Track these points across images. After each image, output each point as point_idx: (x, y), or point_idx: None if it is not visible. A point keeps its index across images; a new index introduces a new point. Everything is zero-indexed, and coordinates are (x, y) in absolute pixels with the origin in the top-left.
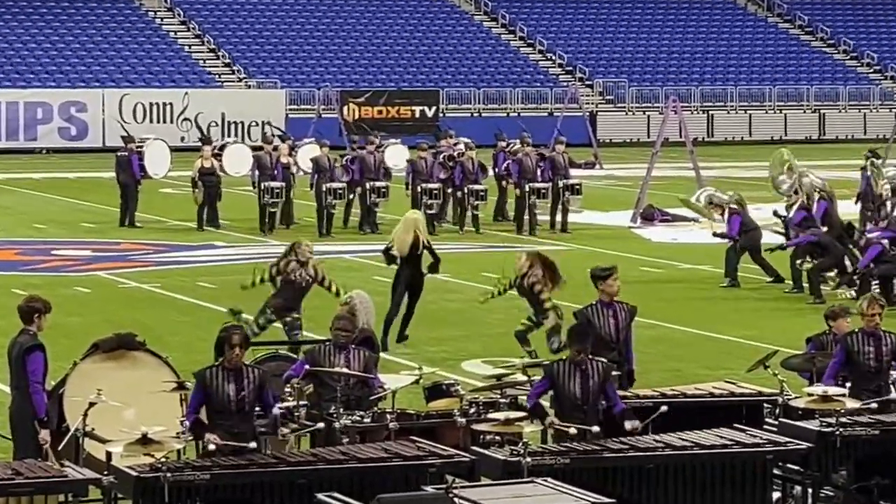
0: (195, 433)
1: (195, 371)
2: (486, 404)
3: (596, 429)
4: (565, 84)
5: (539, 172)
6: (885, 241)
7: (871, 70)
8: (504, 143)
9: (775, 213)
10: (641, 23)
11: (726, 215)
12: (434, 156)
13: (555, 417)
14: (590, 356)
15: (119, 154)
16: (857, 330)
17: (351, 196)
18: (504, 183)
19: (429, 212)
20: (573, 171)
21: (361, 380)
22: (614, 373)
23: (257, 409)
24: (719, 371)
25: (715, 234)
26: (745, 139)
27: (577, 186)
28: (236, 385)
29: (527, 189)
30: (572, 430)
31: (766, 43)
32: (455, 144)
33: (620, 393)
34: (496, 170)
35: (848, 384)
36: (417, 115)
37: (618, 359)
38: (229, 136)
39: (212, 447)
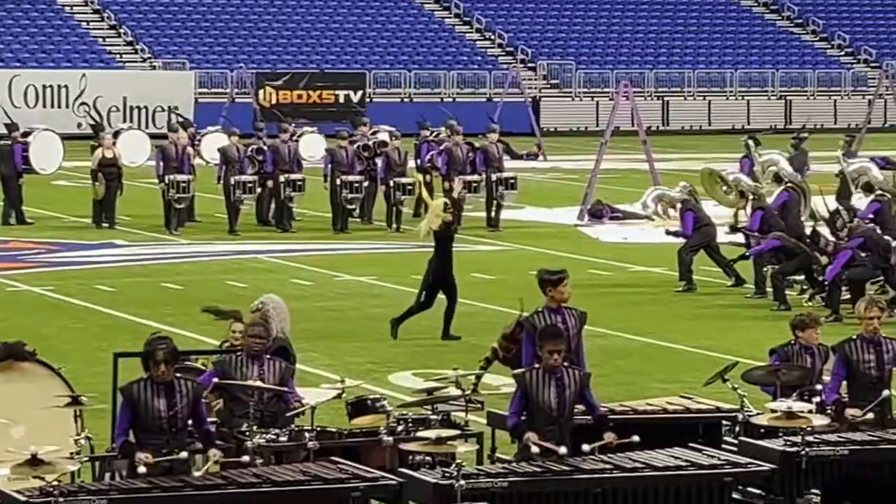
0: (126, 455)
1: (121, 386)
2: (415, 421)
3: (563, 450)
4: (505, 67)
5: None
6: (856, 248)
7: (842, 53)
8: (427, 132)
9: (732, 229)
10: (589, 0)
11: (678, 212)
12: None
13: (532, 434)
14: (565, 363)
15: (0, 143)
16: (854, 336)
17: (260, 190)
18: (427, 176)
19: (349, 206)
20: (514, 164)
21: (277, 394)
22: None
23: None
24: (674, 384)
25: (668, 233)
26: (703, 128)
27: (512, 180)
28: (167, 400)
29: (493, 179)
30: (562, 450)
31: (727, 23)
32: (373, 133)
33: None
34: (419, 161)
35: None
36: (342, 99)
37: None
38: (132, 122)
39: (142, 469)
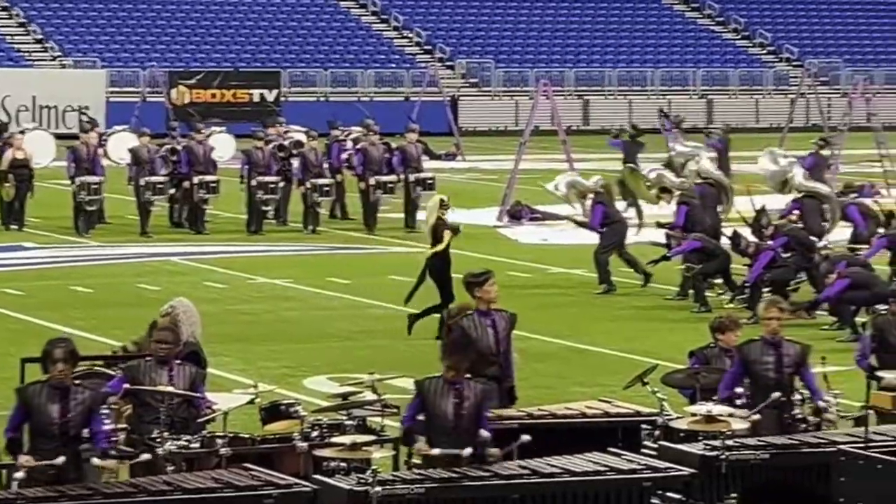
0: (11, 453)
1: (18, 387)
2: (330, 427)
3: (468, 451)
4: (423, 65)
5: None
6: (779, 248)
7: (764, 51)
8: (338, 132)
9: (659, 224)
10: None
11: (588, 204)
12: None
13: (421, 444)
14: (467, 375)
15: None
16: (757, 338)
17: (173, 191)
18: (339, 176)
19: (265, 208)
20: (432, 164)
21: (187, 399)
22: None
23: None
24: (594, 388)
25: (575, 222)
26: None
27: (430, 181)
28: (61, 406)
29: (372, 182)
30: (434, 452)
31: (648, 21)
32: (286, 132)
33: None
34: (330, 161)
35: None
36: (256, 99)
37: (498, 373)
38: (41, 122)
39: (19, 474)
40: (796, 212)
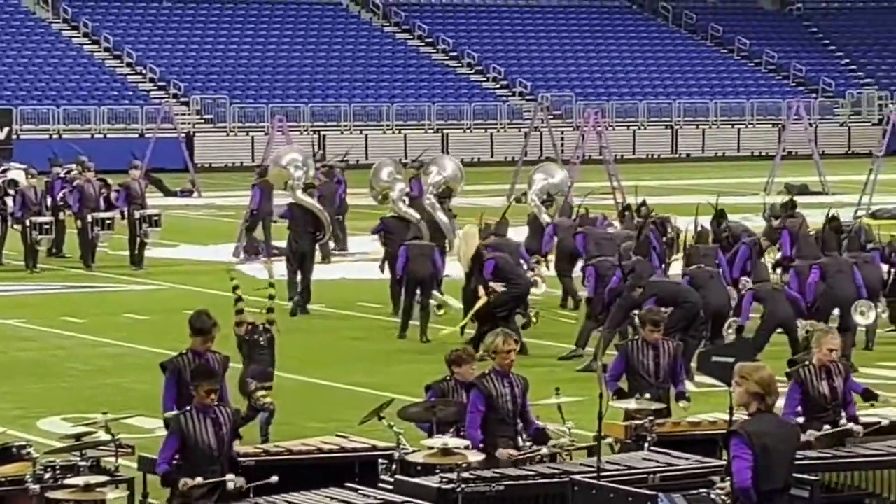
0: None
1: None
2: (63, 468)
3: (232, 477)
4: (158, 101)
5: (102, 201)
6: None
7: (498, 85)
8: (59, 169)
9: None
10: (243, 33)
11: None
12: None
13: (188, 479)
14: (219, 403)
15: None
16: (488, 371)
17: None
18: (62, 214)
19: None
20: (168, 200)
21: None
22: None
23: None
24: (331, 423)
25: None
26: (360, 162)
27: (156, 217)
28: None
29: (89, 220)
30: (197, 481)
31: (383, 56)
32: (4, 171)
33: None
34: (52, 199)
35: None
36: None
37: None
38: None
39: None
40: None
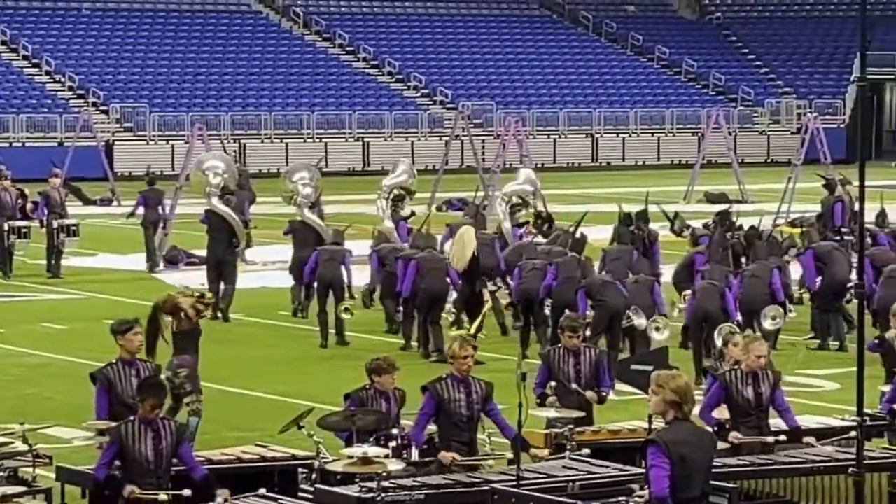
0: None
1: None
2: None
3: (187, 492)
4: (77, 110)
5: (18, 211)
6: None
7: (419, 94)
8: None
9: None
10: (163, 41)
11: None
12: None
13: (131, 487)
14: (162, 416)
15: None
16: (445, 375)
17: None
18: None
19: None
20: (87, 209)
21: None
22: None
23: None
24: (251, 433)
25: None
26: (279, 170)
27: (74, 227)
28: None
29: (6, 228)
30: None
31: (304, 64)
32: None
33: None
34: None
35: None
36: None
37: None
38: None
39: None
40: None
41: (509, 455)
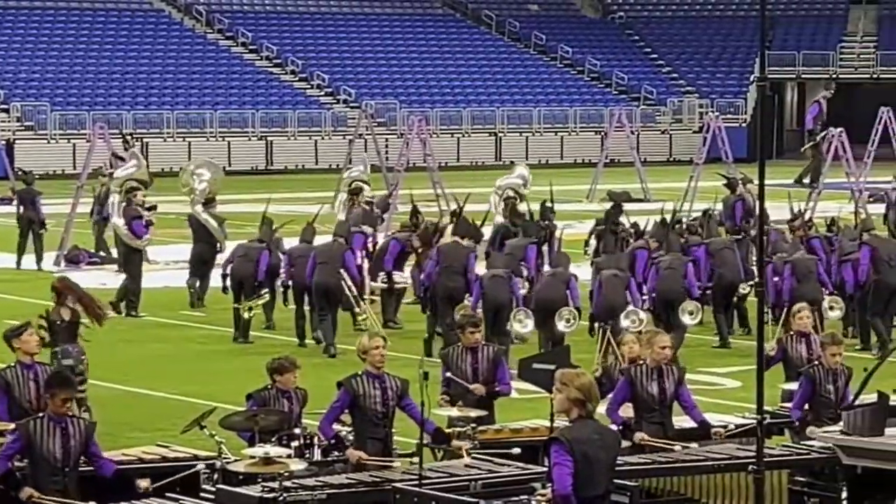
0: None
1: None
2: None
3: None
4: None
5: None
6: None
7: (322, 93)
8: None
9: None
10: (64, 39)
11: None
12: None
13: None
14: (71, 413)
15: None
16: (361, 372)
17: None
18: None
19: None
20: None
21: None
22: None
23: None
24: (153, 433)
25: None
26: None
27: None
28: None
29: None
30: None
31: (206, 62)
32: None
33: None
34: None
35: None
36: None
37: None
38: None
39: None
40: None
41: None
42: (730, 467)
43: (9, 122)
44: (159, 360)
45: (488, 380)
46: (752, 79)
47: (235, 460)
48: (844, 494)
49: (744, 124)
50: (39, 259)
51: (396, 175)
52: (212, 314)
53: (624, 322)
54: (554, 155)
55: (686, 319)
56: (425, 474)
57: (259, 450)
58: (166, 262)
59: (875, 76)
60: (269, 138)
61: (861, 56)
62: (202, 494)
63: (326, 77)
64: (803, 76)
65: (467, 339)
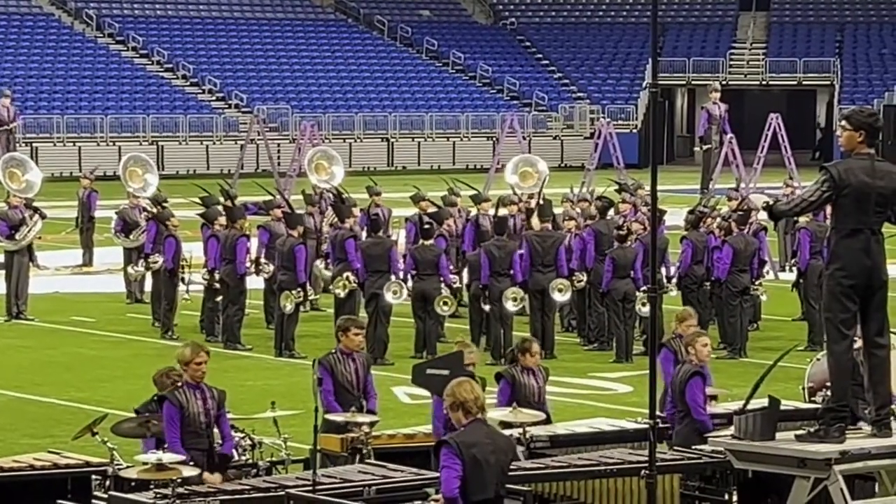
0: None
1: None
2: None
3: None
4: None
5: None
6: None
7: (214, 98)
8: None
9: None
10: None
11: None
12: None
13: None
14: None
15: None
16: (181, 384)
17: None
18: None
19: None
20: None
21: None
22: None
23: None
24: (44, 440)
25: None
26: (74, 174)
27: None
28: None
29: None
30: None
31: (97, 67)
32: None
33: None
34: None
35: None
36: None
37: None
38: None
39: None
40: None
41: None
42: (622, 472)
43: None
44: (50, 366)
45: (364, 385)
46: (643, 85)
47: (128, 467)
48: (735, 498)
49: (635, 130)
50: None
51: (289, 180)
52: (102, 320)
53: (553, 295)
54: (446, 160)
55: (556, 297)
56: (319, 480)
57: (151, 456)
58: (56, 268)
59: (764, 83)
60: (160, 143)
61: (750, 63)
62: (94, 501)
63: (218, 82)
64: (693, 82)
65: (353, 341)
